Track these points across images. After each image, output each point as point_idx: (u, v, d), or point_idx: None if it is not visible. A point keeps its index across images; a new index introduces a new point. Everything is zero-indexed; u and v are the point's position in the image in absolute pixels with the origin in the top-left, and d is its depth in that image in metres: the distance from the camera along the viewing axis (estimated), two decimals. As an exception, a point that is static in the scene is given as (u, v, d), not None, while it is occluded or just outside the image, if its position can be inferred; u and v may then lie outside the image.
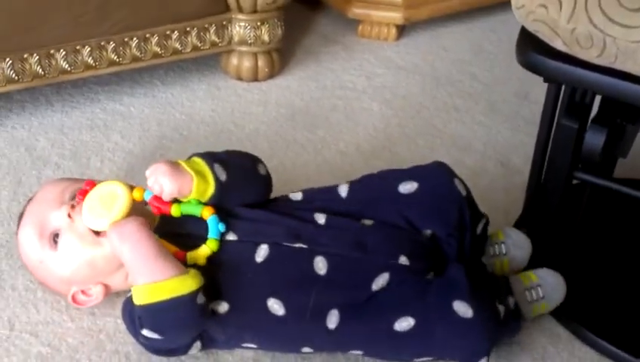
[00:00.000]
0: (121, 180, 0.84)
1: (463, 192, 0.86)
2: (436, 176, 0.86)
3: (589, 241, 0.99)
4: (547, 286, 0.86)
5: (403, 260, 0.79)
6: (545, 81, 0.84)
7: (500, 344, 0.86)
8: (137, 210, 0.82)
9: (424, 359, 0.81)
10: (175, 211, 0.80)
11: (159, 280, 0.74)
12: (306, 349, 0.81)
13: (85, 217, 0.80)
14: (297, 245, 0.79)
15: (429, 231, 0.84)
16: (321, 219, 0.83)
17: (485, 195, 1.02)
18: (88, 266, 0.82)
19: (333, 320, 0.78)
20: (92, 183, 0.83)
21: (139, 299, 0.75)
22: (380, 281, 0.78)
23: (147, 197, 0.81)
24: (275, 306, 0.78)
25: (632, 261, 0.97)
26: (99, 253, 0.82)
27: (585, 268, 0.95)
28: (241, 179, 0.84)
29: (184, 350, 0.81)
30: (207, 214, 0.80)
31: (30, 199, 0.88)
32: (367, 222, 0.84)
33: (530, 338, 0.87)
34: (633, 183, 0.86)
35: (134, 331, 0.79)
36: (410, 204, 0.84)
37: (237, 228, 0.81)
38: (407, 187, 0.85)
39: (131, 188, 0.81)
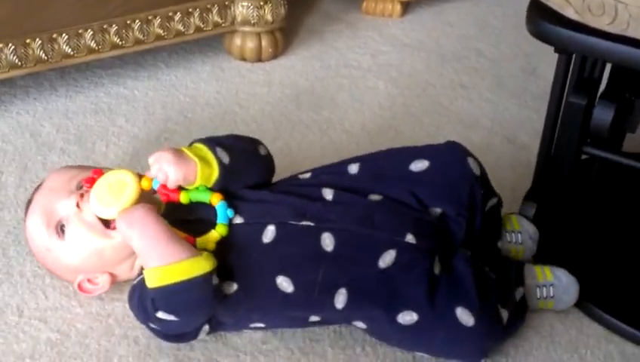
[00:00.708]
0: (128, 168, 0.83)
1: (477, 171, 0.84)
2: (449, 155, 0.85)
3: (598, 216, 0.98)
4: (560, 287, 0.85)
5: (409, 238, 0.78)
6: (556, 51, 0.82)
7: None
8: (145, 197, 0.81)
9: (424, 354, 0.81)
10: (184, 198, 0.81)
11: (172, 262, 0.74)
12: (313, 319, 0.81)
13: (94, 205, 0.80)
14: (304, 223, 0.79)
15: (438, 210, 0.83)
16: (328, 195, 0.82)
17: (492, 172, 1.00)
18: (96, 256, 0.82)
19: (340, 299, 0.77)
20: (100, 172, 0.83)
21: (152, 282, 0.75)
22: (387, 258, 0.77)
23: (155, 186, 0.81)
24: (284, 284, 0.77)
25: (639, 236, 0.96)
26: (108, 244, 0.81)
27: (593, 243, 0.95)
28: (244, 161, 0.84)
29: (194, 334, 0.81)
30: (216, 200, 0.80)
31: (37, 187, 0.88)
32: (375, 197, 0.83)
33: (537, 316, 0.87)
34: (642, 158, 0.85)
35: (144, 316, 0.79)
36: (420, 182, 0.82)
37: (243, 210, 0.80)
38: (419, 165, 0.83)
39: (140, 176, 0.81)
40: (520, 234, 0.90)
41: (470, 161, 0.85)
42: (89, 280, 0.85)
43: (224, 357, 0.82)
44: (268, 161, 0.88)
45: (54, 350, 0.83)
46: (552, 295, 0.85)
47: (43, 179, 0.89)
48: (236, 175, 0.82)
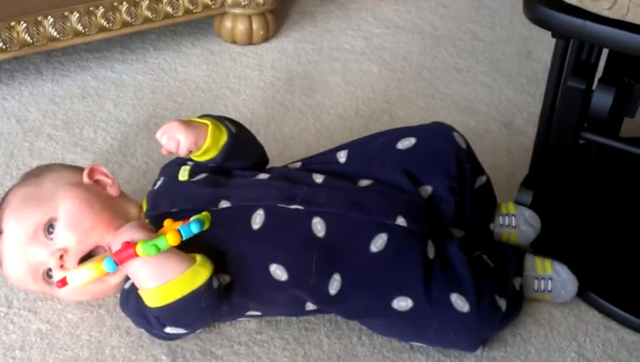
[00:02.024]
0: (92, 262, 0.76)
1: (463, 145, 0.84)
2: (434, 131, 0.85)
3: (595, 202, 0.97)
4: (559, 282, 0.84)
5: (400, 221, 0.77)
6: (553, 36, 0.81)
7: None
8: (119, 211, 0.81)
9: (420, 344, 0.80)
10: (140, 251, 0.71)
11: (170, 280, 0.71)
12: (309, 307, 0.80)
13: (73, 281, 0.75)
14: (293, 207, 0.77)
15: (428, 188, 0.82)
16: (318, 178, 0.82)
17: (489, 157, 1.00)
18: (93, 292, 0.81)
19: (335, 285, 0.76)
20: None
21: (153, 303, 0.72)
22: (379, 242, 0.76)
23: (110, 269, 0.73)
24: (278, 272, 0.76)
25: (638, 222, 0.95)
26: (101, 286, 0.80)
27: (591, 229, 0.94)
28: (247, 139, 0.86)
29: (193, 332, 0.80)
30: (173, 238, 0.71)
31: None
32: (365, 182, 0.82)
33: (536, 304, 0.86)
34: (641, 142, 0.84)
35: (146, 326, 0.77)
36: (408, 159, 0.82)
37: (230, 195, 0.79)
38: (405, 143, 0.84)
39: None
40: (514, 218, 0.89)
41: (455, 135, 0.85)
42: None
43: (218, 348, 0.81)
44: (264, 150, 0.89)
45: (44, 341, 0.81)
46: (549, 289, 0.84)
47: None
48: (240, 149, 0.83)
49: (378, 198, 0.79)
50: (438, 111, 1.17)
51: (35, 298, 0.86)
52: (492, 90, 1.22)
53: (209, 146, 0.80)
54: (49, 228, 0.78)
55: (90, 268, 0.73)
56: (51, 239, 0.78)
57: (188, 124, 0.80)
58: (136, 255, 0.71)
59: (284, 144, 1.10)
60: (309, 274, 0.76)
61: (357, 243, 0.76)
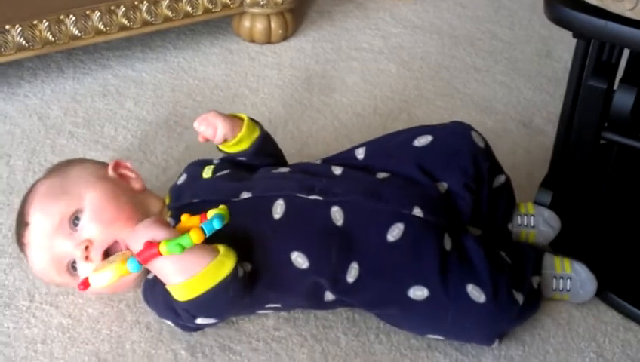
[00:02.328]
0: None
1: (480, 144, 0.85)
2: (452, 130, 0.85)
3: (616, 202, 0.96)
4: (577, 281, 0.84)
5: (417, 211, 0.78)
6: (574, 36, 0.80)
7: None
8: (141, 205, 0.82)
9: (437, 336, 0.80)
10: (164, 249, 0.71)
11: (197, 273, 0.72)
12: (328, 297, 0.80)
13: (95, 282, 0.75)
14: (312, 197, 0.79)
15: (444, 185, 0.82)
16: (337, 170, 0.83)
17: (507, 157, 0.99)
18: (113, 286, 0.79)
19: (352, 273, 0.77)
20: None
21: (181, 296, 0.73)
22: (395, 232, 0.77)
23: (134, 269, 0.73)
24: (299, 260, 0.77)
25: (659, 223, 0.95)
26: (121, 280, 0.78)
27: (610, 229, 0.93)
28: (273, 141, 0.92)
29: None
30: (197, 238, 0.71)
31: (20, 222, 0.81)
32: (382, 175, 0.83)
33: (554, 304, 0.86)
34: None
35: (174, 317, 0.77)
36: (425, 155, 0.83)
37: (251, 186, 0.81)
38: (422, 140, 0.84)
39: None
40: (533, 218, 0.89)
41: (474, 134, 0.85)
42: None
43: (237, 344, 0.81)
44: (284, 156, 0.94)
45: (66, 335, 0.82)
46: (568, 288, 0.84)
47: (22, 208, 0.82)
48: (269, 146, 0.89)
49: (395, 190, 0.80)
50: (457, 110, 1.17)
51: (57, 292, 0.87)
52: (511, 89, 1.22)
53: (243, 136, 0.85)
54: (74, 219, 0.79)
55: (112, 269, 0.74)
56: (76, 231, 0.79)
57: (224, 114, 0.85)
58: (159, 254, 0.71)
59: (302, 142, 1.10)
60: (329, 262, 0.77)
61: (374, 232, 0.77)
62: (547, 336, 0.83)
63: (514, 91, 1.22)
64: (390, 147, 0.86)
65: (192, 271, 0.72)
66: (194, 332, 0.82)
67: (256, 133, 0.87)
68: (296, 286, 0.78)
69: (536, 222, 0.89)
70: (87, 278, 0.75)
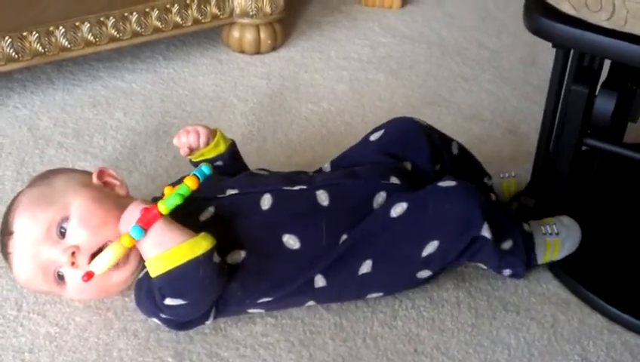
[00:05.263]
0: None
1: (425, 123, 0.94)
2: (398, 120, 0.94)
3: (599, 208, 0.97)
4: (562, 225, 0.89)
5: (394, 180, 0.86)
6: (553, 46, 0.82)
7: (507, 311, 0.86)
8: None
9: (431, 244, 0.80)
10: (162, 208, 0.77)
11: (172, 247, 0.75)
12: (318, 284, 0.81)
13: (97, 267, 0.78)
14: (297, 188, 0.85)
15: (409, 164, 0.90)
16: (313, 174, 0.91)
17: (494, 163, 1.01)
18: (98, 289, 0.82)
19: (343, 239, 0.82)
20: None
21: (155, 271, 0.76)
22: (379, 199, 0.84)
23: (138, 236, 0.76)
24: (290, 241, 0.81)
25: (643, 227, 0.95)
26: (106, 283, 0.81)
27: (595, 234, 0.94)
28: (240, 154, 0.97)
29: (203, 319, 0.82)
30: (192, 182, 0.78)
31: (4, 231, 0.82)
32: (355, 168, 0.90)
33: (539, 306, 0.87)
34: (644, 148, 0.84)
35: (153, 308, 0.79)
36: (384, 144, 0.91)
37: (237, 184, 0.85)
38: (377, 135, 0.93)
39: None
40: (512, 172, 0.99)
41: (416, 118, 0.94)
42: None
43: (224, 350, 0.82)
44: None
45: (53, 344, 0.82)
46: (556, 231, 0.88)
47: (6, 218, 0.82)
48: (239, 156, 0.96)
49: (370, 169, 0.88)
50: (443, 118, 1.18)
51: (44, 301, 0.87)
52: (497, 97, 1.23)
53: (219, 140, 0.91)
54: (60, 228, 0.80)
55: (110, 249, 0.77)
56: (63, 238, 0.79)
57: (202, 125, 0.92)
58: (160, 214, 0.76)
59: (291, 150, 1.11)
60: (319, 241, 0.82)
61: (360, 204, 0.84)
62: (532, 339, 0.83)
63: (500, 99, 1.23)
64: (351, 152, 0.94)
65: (168, 244, 0.75)
66: (181, 340, 0.82)
67: (229, 140, 0.94)
68: (287, 269, 0.81)
69: (517, 172, 0.98)
70: (89, 271, 0.76)
